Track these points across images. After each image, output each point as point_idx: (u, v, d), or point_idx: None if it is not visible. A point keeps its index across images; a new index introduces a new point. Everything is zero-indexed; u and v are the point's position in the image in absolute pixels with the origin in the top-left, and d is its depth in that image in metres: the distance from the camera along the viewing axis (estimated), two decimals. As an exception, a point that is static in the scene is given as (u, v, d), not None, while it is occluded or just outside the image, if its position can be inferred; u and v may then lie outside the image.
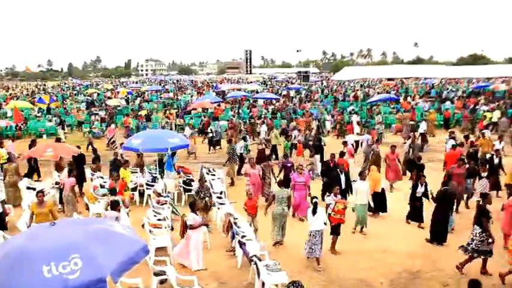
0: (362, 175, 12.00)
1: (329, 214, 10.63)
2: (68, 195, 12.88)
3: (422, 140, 22.28)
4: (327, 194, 12.00)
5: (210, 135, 24.02)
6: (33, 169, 17.62)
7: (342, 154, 15.76)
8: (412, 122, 25.20)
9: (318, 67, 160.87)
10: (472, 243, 9.46)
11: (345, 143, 18.08)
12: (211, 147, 23.79)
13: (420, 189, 12.19)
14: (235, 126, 24.57)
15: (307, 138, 21.13)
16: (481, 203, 9.82)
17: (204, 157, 22.24)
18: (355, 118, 26.95)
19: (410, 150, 17.59)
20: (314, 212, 10.06)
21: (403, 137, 22.59)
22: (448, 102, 35.39)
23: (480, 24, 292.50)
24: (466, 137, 19.09)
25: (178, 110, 36.11)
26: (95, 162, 17.11)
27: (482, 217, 9.45)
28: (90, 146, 19.38)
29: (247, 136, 22.34)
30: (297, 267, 10.10)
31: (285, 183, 12.25)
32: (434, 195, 11.61)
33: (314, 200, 10.27)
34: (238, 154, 18.05)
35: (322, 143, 19.00)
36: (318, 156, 18.05)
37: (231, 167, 17.39)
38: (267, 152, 19.82)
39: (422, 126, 22.97)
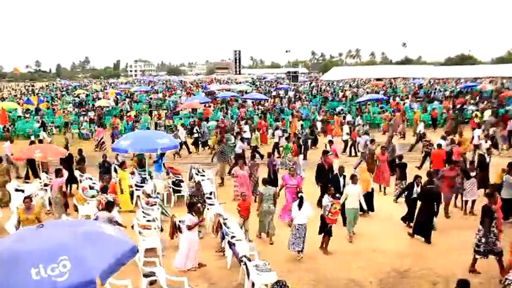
0: (353, 179, 11.84)
1: (326, 216, 10.71)
2: (56, 196, 12.77)
3: (420, 140, 22.19)
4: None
5: (196, 135, 23.82)
6: (36, 170, 17.39)
7: (325, 153, 15.90)
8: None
9: (307, 67, 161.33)
10: (481, 245, 9.44)
11: (330, 142, 18.14)
12: (197, 148, 23.66)
13: (417, 189, 12.12)
14: (225, 126, 24.50)
15: (306, 138, 21.12)
16: (486, 202, 9.86)
17: (194, 157, 22.20)
18: (347, 118, 26.99)
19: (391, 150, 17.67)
20: (300, 206, 10.34)
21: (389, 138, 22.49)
22: (435, 102, 35.64)
23: (468, 25, 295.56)
24: (448, 134, 19.30)
25: (167, 110, 35.99)
26: (79, 163, 16.96)
27: (485, 217, 9.48)
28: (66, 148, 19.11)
29: (243, 137, 22.22)
30: (287, 267, 10.12)
31: (269, 181, 12.36)
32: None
33: (300, 194, 10.64)
34: (233, 154, 18.03)
35: (302, 143, 19.11)
36: (301, 156, 18.11)
37: (221, 166, 17.38)
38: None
39: (420, 127, 22.96)
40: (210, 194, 14.30)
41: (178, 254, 10.08)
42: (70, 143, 20.85)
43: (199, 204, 11.80)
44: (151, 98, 46.61)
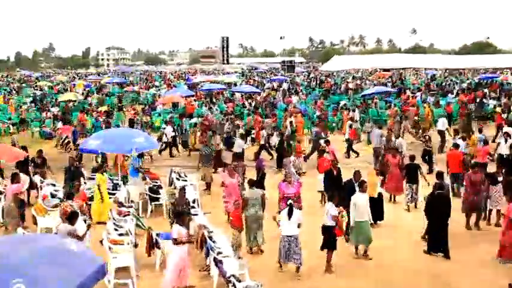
0: (362, 186, 11.62)
1: (333, 227, 10.56)
2: (9, 205, 12.45)
3: (441, 139, 21.90)
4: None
5: (173, 134, 23.10)
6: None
7: (321, 152, 15.70)
8: (416, 118, 25.28)
9: (304, 56, 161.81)
10: None
11: (327, 142, 18.03)
12: (176, 149, 23.22)
13: None
14: (210, 123, 24.21)
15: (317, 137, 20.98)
16: None
17: (175, 159, 22.00)
18: (355, 114, 26.54)
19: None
20: (290, 214, 10.30)
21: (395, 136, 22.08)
22: (449, 95, 35.62)
23: (485, 8, 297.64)
24: (457, 132, 19.24)
25: (144, 105, 35.60)
26: (40, 167, 16.57)
27: None
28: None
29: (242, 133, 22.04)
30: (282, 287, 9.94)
31: (256, 183, 12.53)
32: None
33: (289, 201, 10.69)
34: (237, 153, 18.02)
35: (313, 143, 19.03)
36: (292, 158, 18.08)
37: (206, 170, 17.13)
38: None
39: (442, 123, 22.70)
40: (193, 202, 14.12)
41: (166, 275, 9.69)
42: (29, 143, 20.46)
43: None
44: (125, 91, 46.26)
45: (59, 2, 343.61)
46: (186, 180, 16.07)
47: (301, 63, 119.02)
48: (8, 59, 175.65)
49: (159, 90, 46.89)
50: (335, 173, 14.07)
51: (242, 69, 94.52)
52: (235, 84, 48.20)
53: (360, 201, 11.35)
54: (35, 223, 12.91)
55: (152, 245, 10.77)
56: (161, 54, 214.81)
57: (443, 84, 46.89)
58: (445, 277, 10.39)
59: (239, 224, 11.17)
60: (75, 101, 37.69)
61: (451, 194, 13.27)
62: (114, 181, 15.88)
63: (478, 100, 31.27)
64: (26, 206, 13.69)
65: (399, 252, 11.62)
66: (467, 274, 10.43)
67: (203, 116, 27.41)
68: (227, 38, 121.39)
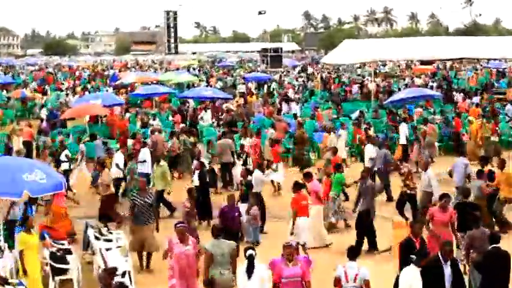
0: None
1: None
2: None
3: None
4: None
5: (64, 166, 23.16)
6: None
7: (298, 186, 16.75)
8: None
9: (297, 42, 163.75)
10: None
11: (307, 176, 18.16)
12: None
13: None
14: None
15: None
16: None
17: (93, 206, 21.69)
18: (402, 130, 27.19)
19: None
20: (250, 271, 11.11)
21: (420, 167, 21.89)
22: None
23: None
24: None
25: (46, 119, 35.34)
26: None
27: None
28: None
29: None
30: None
31: (223, 231, 13.28)
32: None
33: (249, 252, 11.39)
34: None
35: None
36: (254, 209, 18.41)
37: (142, 232, 16.62)
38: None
39: None
40: (123, 275, 13.99)
41: None
42: None
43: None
44: (8, 98, 46.10)
45: None
46: (110, 241, 15.89)
47: (292, 52, 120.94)
48: None
49: (67, 95, 47.37)
50: (417, 245, 12.70)
51: (200, 61, 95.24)
52: (189, 86, 48.28)
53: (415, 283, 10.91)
54: None
55: None
56: (70, 38, 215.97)
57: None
58: None
59: None
60: None
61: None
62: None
63: None
64: None
65: None
66: None
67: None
68: (175, 12, 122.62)
